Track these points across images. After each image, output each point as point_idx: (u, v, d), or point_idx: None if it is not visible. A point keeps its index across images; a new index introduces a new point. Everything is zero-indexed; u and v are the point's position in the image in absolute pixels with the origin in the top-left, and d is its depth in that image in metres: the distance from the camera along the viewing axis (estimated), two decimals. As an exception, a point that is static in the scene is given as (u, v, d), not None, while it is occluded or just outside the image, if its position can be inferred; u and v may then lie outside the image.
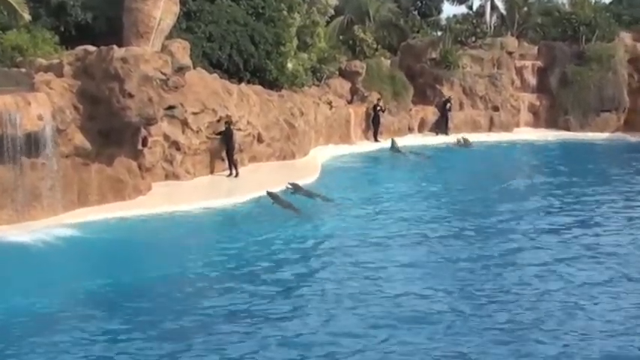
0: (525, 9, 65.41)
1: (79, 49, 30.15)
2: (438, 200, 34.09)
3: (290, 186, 33.34)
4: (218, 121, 35.42)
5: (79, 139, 28.32)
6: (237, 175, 35.12)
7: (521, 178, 39.60)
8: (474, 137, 50.43)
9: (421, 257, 25.24)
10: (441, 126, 51.64)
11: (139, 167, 31.10)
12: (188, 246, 26.04)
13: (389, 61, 54.83)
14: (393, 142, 46.43)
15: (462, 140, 49.30)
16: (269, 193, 31.83)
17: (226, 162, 35.53)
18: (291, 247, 26.06)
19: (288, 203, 31.00)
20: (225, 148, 35.26)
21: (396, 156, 45.00)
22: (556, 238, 27.81)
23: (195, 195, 31.99)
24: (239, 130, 36.16)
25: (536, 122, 55.60)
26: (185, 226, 28.11)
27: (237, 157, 35.55)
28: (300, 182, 34.09)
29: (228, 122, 35.35)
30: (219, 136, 35.11)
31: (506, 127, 53.67)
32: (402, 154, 45.04)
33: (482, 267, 24.28)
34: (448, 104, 51.70)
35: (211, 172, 35.54)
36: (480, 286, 22.46)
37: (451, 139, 50.09)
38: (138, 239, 26.21)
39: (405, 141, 47.78)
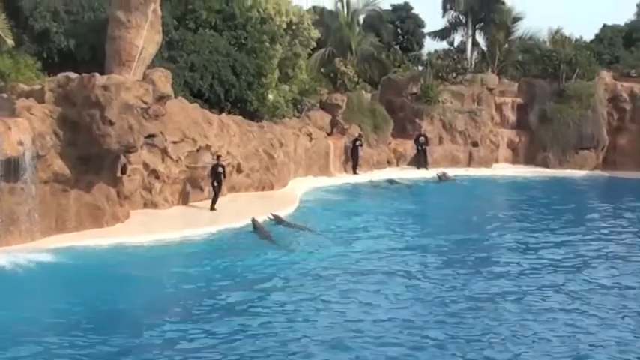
0: (506, 46, 65.87)
1: (61, 75, 30.21)
2: (414, 234, 33.97)
3: (272, 217, 33.49)
4: (198, 150, 35.54)
5: (59, 166, 28.35)
6: (212, 209, 34.95)
7: (493, 215, 39.31)
8: (452, 172, 50.56)
9: (389, 296, 24.75)
10: (419, 160, 51.79)
11: (118, 195, 31.13)
12: (161, 276, 25.93)
13: (370, 95, 55.10)
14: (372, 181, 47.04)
15: (441, 175, 49.45)
16: (253, 221, 32.01)
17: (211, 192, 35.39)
18: (259, 280, 25.71)
19: (266, 234, 31.12)
20: (213, 182, 35.18)
21: (375, 190, 45.15)
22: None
23: (173, 224, 32.09)
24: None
25: (515, 158, 55.81)
26: (161, 255, 28.12)
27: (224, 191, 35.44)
28: (278, 213, 34.21)
29: (218, 156, 35.43)
30: (214, 170, 35.10)
31: (485, 163, 53.90)
32: (382, 189, 45.40)
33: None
34: (421, 138, 51.89)
35: (190, 201, 35.56)
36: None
37: (430, 173, 50.22)
38: (113, 267, 26.11)
39: (384, 174, 48.03)
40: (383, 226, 35.31)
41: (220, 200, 35.23)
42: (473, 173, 51.80)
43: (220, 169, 34.99)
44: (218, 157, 35.53)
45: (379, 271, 27.49)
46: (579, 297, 25.05)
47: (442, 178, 49.14)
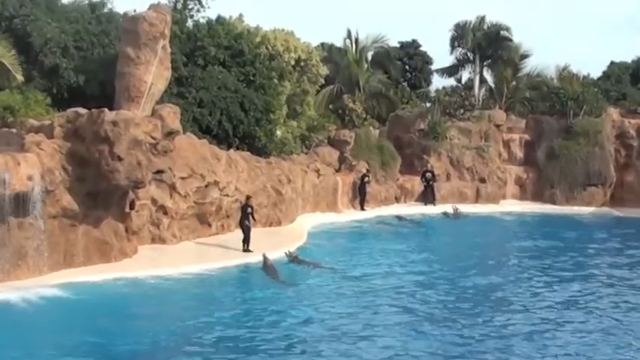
0: (514, 83, 66.07)
1: (70, 111, 30.24)
2: (422, 274, 33.37)
3: (287, 253, 33.51)
4: (206, 186, 35.61)
5: (67, 201, 28.43)
6: (246, 249, 34.21)
7: (496, 254, 39.01)
8: (460, 208, 50.36)
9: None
10: (427, 196, 51.73)
11: (126, 230, 31.17)
12: (167, 312, 26.02)
13: (377, 131, 55.30)
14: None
15: (452, 211, 49.40)
16: (265, 258, 32.03)
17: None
18: (256, 323, 25.23)
19: (275, 272, 30.98)
20: (242, 222, 34.74)
21: (384, 226, 45.00)
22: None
23: (181, 259, 32.02)
24: (226, 195, 36.30)
25: (523, 195, 55.66)
26: (168, 291, 28.15)
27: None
28: (289, 249, 34.13)
29: (248, 196, 35.44)
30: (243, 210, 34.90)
31: (493, 199, 53.75)
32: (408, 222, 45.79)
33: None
34: (428, 174, 51.82)
35: (198, 237, 35.57)
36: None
37: (437, 209, 50.17)
38: (120, 303, 26.19)
39: (391, 210, 48.02)
40: (390, 263, 35.09)
41: (228, 236, 35.16)
42: (480, 210, 51.61)
43: (249, 210, 34.86)
44: (248, 197, 35.45)
45: (390, 311, 27.38)
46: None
47: (450, 215, 49.10)
